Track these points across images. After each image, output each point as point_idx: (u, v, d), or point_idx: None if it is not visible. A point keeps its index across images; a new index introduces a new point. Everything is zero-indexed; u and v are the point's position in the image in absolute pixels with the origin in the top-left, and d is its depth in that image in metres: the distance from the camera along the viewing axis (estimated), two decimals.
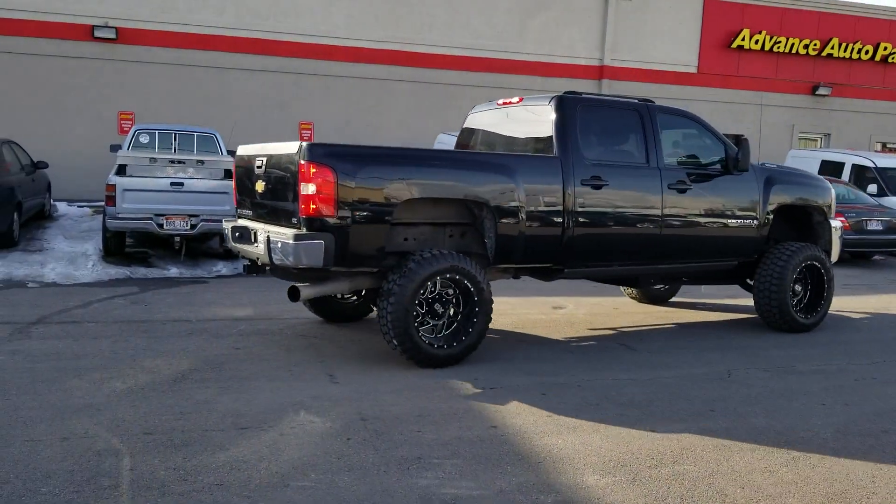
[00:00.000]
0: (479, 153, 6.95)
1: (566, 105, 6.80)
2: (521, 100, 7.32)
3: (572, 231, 6.61)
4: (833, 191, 8.56)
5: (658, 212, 7.08)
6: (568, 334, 7.55)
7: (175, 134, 12.50)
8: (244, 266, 6.83)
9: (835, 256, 8.47)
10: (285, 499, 3.79)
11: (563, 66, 19.58)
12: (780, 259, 7.74)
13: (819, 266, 7.99)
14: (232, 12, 16.92)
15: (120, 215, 9.90)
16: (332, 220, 5.69)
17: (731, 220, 7.64)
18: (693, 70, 20.96)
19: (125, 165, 10.34)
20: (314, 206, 5.66)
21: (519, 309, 8.61)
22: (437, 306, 6.08)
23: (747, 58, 21.32)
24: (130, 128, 13.76)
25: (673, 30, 20.66)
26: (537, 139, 6.96)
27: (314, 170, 5.62)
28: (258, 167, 6.41)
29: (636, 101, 7.31)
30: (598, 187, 6.73)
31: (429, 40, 18.43)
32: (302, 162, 5.67)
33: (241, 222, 6.71)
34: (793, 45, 21.41)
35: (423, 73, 18.30)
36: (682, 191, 7.23)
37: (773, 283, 7.70)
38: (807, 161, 17.09)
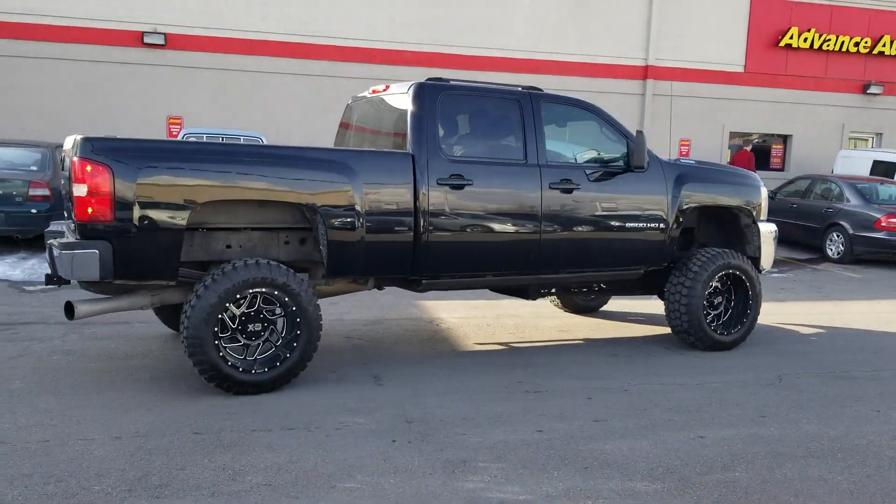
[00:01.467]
0: (304, 148, 5.85)
1: (425, 94, 6.01)
2: (387, 88, 6.48)
3: (427, 237, 5.84)
4: (764, 190, 7.53)
5: (536, 215, 6.23)
6: (610, 334, 7.47)
7: (222, 137, 12.70)
8: (45, 276, 5.71)
9: (766, 263, 7.51)
10: (332, 500, 3.81)
11: (607, 66, 19.39)
12: (692, 268, 6.83)
13: (741, 275, 7.03)
14: (275, 18, 17.14)
15: None
16: (109, 226, 4.94)
17: (631, 224, 6.68)
18: (740, 69, 20.60)
19: None
20: (89, 210, 4.90)
21: (562, 311, 8.55)
22: (254, 325, 5.33)
23: (796, 56, 20.89)
24: (179, 132, 14.00)
25: (719, 29, 20.35)
26: (396, 133, 6.22)
27: (89, 168, 4.87)
28: (62, 162, 5.73)
29: (518, 88, 6.46)
30: (459, 187, 5.93)
31: (469, 42, 18.44)
32: (75, 159, 4.93)
33: (55, 227, 6.21)
34: (843, 42, 20.92)
35: (463, 75, 18.32)
36: (567, 191, 6.36)
37: (682, 294, 6.81)
38: (858, 161, 16.67)
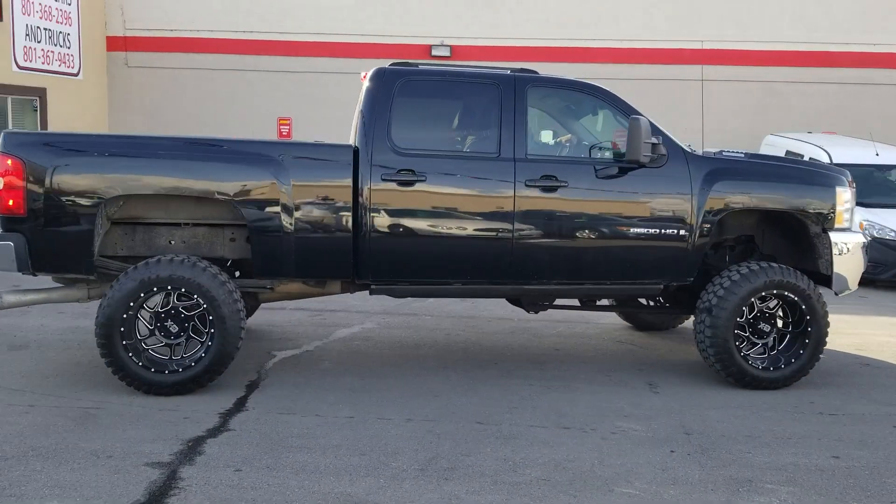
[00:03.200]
0: (224, 140, 5.59)
1: (381, 80, 5.59)
2: (365, 76, 5.87)
3: (369, 239, 5.40)
4: (844, 191, 5.90)
5: (507, 216, 5.51)
6: None
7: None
8: None
9: (843, 285, 5.86)
10: (610, 503, 3.83)
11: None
12: (723, 286, 5.58)
13: (795, 297, 5.61)
14: (554, 23, 17.46)
15: None
16: (23, 219, 5.07)
17: (637, 230, 5.64)
18: None
19: None
20: (10, 203, 5.07)
21: (862, 328, 7.76)
22: (172, 324, 5.14)
23: None
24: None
25: None
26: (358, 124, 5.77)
27: (9, 162, 5.05)
28: None
29: (503, 72, 5.77)
30: (408, 183, 5.43)
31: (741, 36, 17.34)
32: None
33: None
34: None
35: (742, 71, 17.27)
36: (550, 189, 5.55)
37: (707, 316, 5.60)
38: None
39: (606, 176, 5.66)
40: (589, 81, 5.99)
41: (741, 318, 5.61)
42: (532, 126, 5.84)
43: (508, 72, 5.80)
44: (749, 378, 5.61)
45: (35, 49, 14.64)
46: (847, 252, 5.80)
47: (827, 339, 5.75)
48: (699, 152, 5.97)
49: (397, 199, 5.47)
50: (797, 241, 6.05)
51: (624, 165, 5.60)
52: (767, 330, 5.69)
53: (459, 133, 5.96)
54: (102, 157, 5.28)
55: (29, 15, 14.36)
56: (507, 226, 5.53)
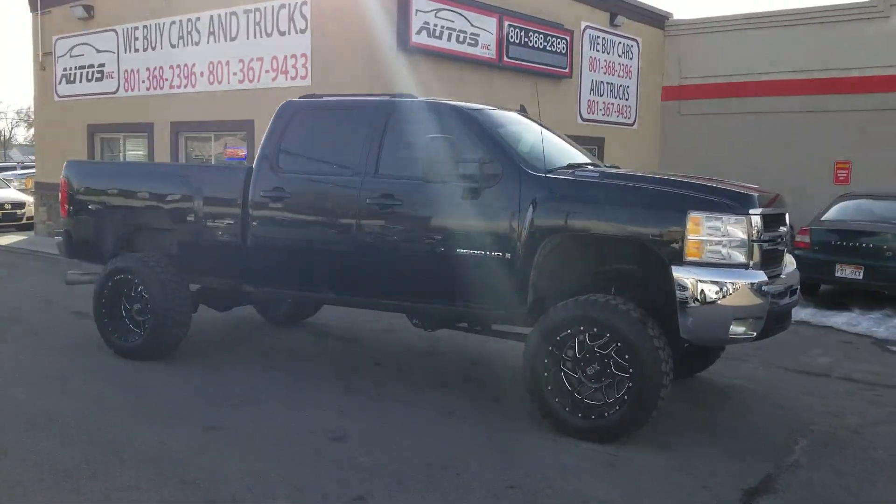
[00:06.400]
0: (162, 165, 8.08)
1: (281, 110, 6.33)
2: None
3: (249, 248, 6.18)
4: (700, 216, 4.67)
5: (351, 233, 5.73)
6: None
7: None
8: None
9: (710, 329, 4.71)
10: None
11: None
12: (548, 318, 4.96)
13: (618, 341, 4.73)
14: None
15: None
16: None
17: (462, 251, 5.30)
18: None
19: None
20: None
21: None
22: None
23: None
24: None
25: None
26: None
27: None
28: None
29: (382, 98, 6.10)
30: (277, 199, 6.06)
31: None
32: None
33: None
34: None
35: None
36: (385, 207, 5.61)
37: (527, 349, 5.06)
38: None
39: (438, 196, 5.46)
40: (455, 104, 5.87)
41: (559, 352, 4.94)
42: (391, 147, 5.80)
43: (388, 98, 6.09)
44: (554, 419, 5.00)
45: (597, 102, 15.89)
46: (701, 291, 4.65)
47: (665, 386, 4.73)
48: (565, 175, 5.32)
49: (268, 214, 6.12)
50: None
51: (455, 186, 5.32)
52: (593, 372, 4.88)
53: (327, 155, 6.17)
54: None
55: (594, 71, 15.66)
56: (351, 242, 5.76)
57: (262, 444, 4.71)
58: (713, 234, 4.71)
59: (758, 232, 4.78)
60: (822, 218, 10.96)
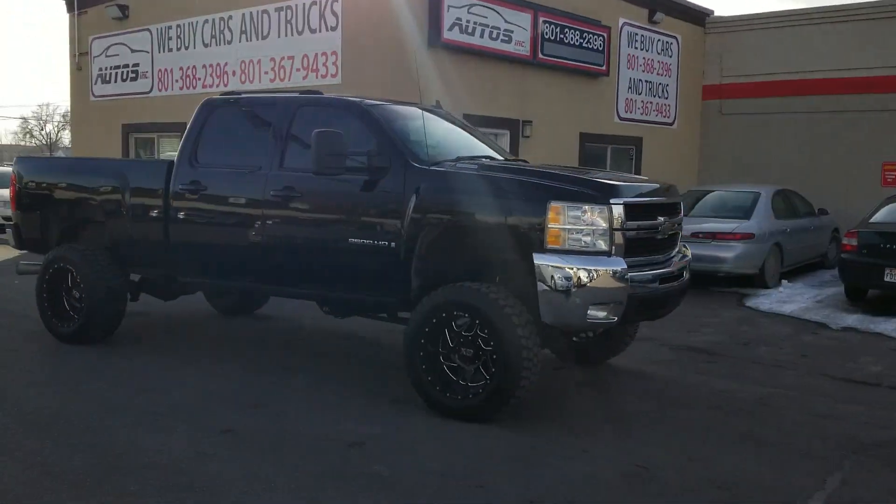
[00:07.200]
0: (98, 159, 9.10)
1: (202, 108, 6.62)
2: None
3: (170, 239, 6.47)
4: (561, 205, 4.85)
5: (258, 223, 6.00)
6: None
7: None
8: None
9: (569, 316, 4.90)
10: None
11: None
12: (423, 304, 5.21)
13: (478, 320, 4.95)
14: None
15: None
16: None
17: (355, 240, 5.56)
18: None
19: None
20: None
21: None
22: None
23: None
24: None
25: None
26: None
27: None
28: None
29: (290, 95, 6.47)
30: (193, 192, 6.33)
31: None
32: None
33: None
34: None
35: None
36: (286, 198, 5.88)
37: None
38: None
39: (331, 188, 5.72)
40: (353, 99, 6.12)
41: (433, 336, 5.14)
42: (295, 142, 5.98)
43: (296, 95, 6.33)
44: (433, 401, 5.19)
45: (635, 101, 15.50)
46: (557, 277, 4.80)
47: (527, 369, 4.86)
48: (447, 167, 5.48)
49: (186, 206, 6.37)
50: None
51: (347, 178, 5.58)
52: (467, 354, 5.07)
53: (240, 150, 6.34)
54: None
55: (633, 69, 15.28)
56: (259, 232, 6.00)
57: (275, 447, 4.51)
58: (574, 222, 4.87)
59: (620, 221, 4.90)
60: (871, 220, 10.46)
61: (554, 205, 4.86)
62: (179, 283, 6.79)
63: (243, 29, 13.10)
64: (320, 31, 11.91)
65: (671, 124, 16.58)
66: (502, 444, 4.72)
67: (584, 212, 4.87)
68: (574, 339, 6.38)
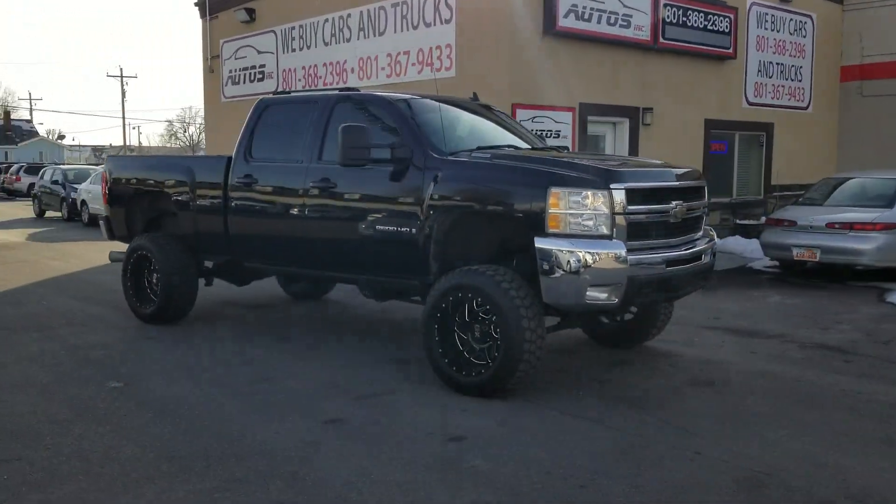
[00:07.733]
0: (173, 156, 10.19)
1: (257, 106, 7.10)
2: None
3: (229, 228, 7.03)
4: (560, 190, 5.08)
5: (302, 213, 6.50)
6: None
7: None
8: None
9: (569, 296, 5.09)
10: None
11: None
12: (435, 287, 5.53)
13: (481, 300, 5.22)
14: None
15: None
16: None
17: (382, 227, 5.95)
18: None
19: None
20: None
21: None
22: None
23: None
24: None
25: None
26: None
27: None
28: None
29: (330, 92, 6.81)
30: (247, 185, 6.84)
31: None
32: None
33: None
34: None
35: None
36: (324, 190, 6.34)
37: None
38: None
39: (363, 179, 6.07)
40: (383, 95, 6.55)
41: (447, 316, 5.41)
42: (333, 136, 6.15)
43: (336, 92, 6.70)
44: (447, 378, 5.45)
45: (765, 84, 14.67)
46: (556, 259, 5.01)
47: (529, 344, 5.07)
48: (462, 156, 5.77)
49: (241, 197, 6.92)
50: None
51: (375, 169, 5.89)
52: (478, 334, 5.35)
53: (285, 145, 6.79)
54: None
55: (762, 51, 14.46)
56: (302, 221, 6.49)
57: (379, 440, 4.53)
58: (574, 207, 5.06)
59: (622, 206, 5.03)
60: None
61: (554, 190, 5.09)
62: (247, 269, 7.32)
63: (361, 26, 13.33)
64: (434, 24, 11.94)
65: (805, 108, 15.59)
66: (610, 443, 4.54)
67: (585, 197, 5.06)
68: (605, 320, 6.60)
